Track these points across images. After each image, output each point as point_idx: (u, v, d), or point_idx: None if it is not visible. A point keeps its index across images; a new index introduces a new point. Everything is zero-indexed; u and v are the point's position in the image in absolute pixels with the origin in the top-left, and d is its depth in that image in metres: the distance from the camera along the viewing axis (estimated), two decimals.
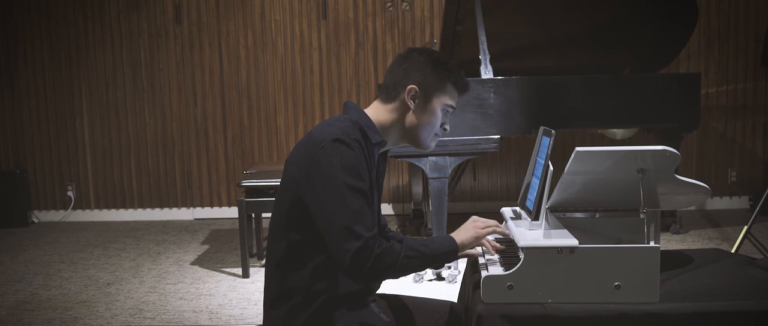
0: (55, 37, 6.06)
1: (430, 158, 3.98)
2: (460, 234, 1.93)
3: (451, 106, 1.96)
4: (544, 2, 4.64)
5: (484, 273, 1.84)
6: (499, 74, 4.14)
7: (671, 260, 2.12)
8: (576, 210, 2.17)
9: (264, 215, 4.93)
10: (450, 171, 4.02)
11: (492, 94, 4.05)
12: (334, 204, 1.77)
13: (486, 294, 1.80)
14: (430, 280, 3.97)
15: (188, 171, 6.14)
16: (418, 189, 5.45)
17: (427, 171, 3.99)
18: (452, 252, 1.90)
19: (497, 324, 1.75)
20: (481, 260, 1.99)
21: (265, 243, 4.54)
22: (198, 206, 6.18)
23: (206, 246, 5.10)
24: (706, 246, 4.58)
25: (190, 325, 3.49)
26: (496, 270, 1.89)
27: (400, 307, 2.11)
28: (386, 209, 5.93)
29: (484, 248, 1.98)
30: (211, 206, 6.17)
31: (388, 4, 5.92)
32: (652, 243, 1.82)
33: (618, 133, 5.15)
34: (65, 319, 3.61)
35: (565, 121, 4.28)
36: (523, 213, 2.13)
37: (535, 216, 1.96)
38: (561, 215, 2.07)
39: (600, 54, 4.93)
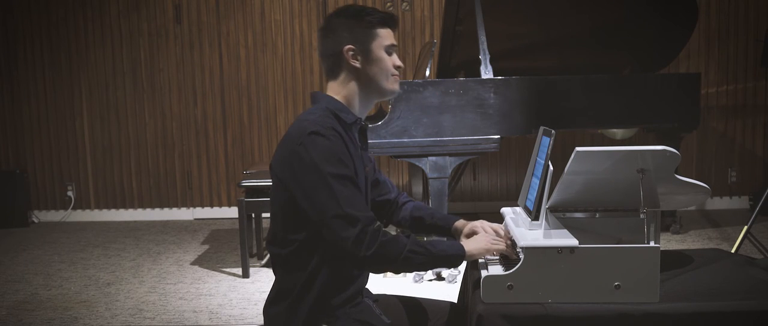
0: (55, 37, 6.06)
1: (430, 158, 3.98)
2: (471, 244, 1.94)
3: (392, 45, 1.95)
4: (544, 2, 4.64)
5: (484, 273, 1.84)
6: (499, 74, 4.14)
7: (671, 260, 2.12)
8: (576, 210, 2.16)
9: (264, 215, 4.93)
10: (450, 171, 4.02)
11: (492, 94, 4.05)
12: (324, 197, 1.78)
13: (486, 294, 1.80)
14: (430, 280, 3.97)
15: (188, 171, 6.14)
16: (418, 189, 5.44)
17: (427, 171, 3.99)
18: (458, 257, 1.90)
19: (497, 324, 1.75)
20: (481, 260, 1.99)
21: (265, 243, 4.54)
22: (198, 206, 6.18)
23: (206, 246, 5.10)
24: (706, 246, 4.58)
25: (190, 325, 3.49)
26: (496, 270, 1.89)
27: (401, 308, 2.11)
28: None
29: (486, 258, 1.98)
30: (211, 206, 6.18)
31: (388, 4, 5.92)
32: (652, 243, 1.82)
33: (618, 133, 5.15)
34: (65, 319, 3.61)
35: (565, 121, 4.27)
36: (523, 213, 2.13)
37: (535, 216, 1.96)
38: (561, 215, 2.07)
39: (600, 54, 4.93)
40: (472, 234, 2.07)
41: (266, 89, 6.02)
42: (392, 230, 2.22)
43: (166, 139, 6.10)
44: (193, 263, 4.64)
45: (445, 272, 3.97)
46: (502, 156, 6.02)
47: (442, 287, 3.87)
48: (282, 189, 1.86)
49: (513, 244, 2.03)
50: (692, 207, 5.83)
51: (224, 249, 4.98)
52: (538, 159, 2.07)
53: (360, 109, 1.97)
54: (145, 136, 6.12)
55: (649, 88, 4.35)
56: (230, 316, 3.59)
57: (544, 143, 2.01)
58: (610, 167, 1.86)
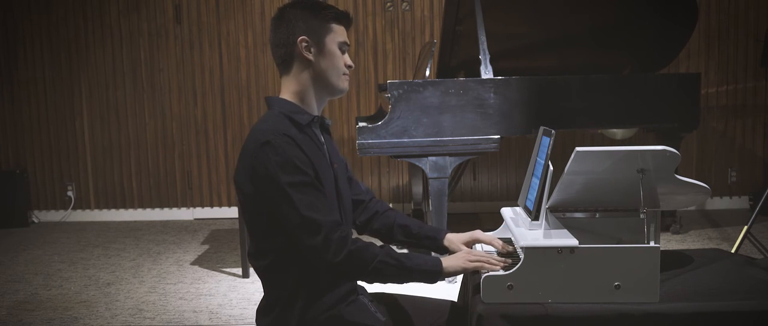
0: (55, 37, 6.06)
1: (430, 158, 3.98)
2: (449, 261, 1.89)
3: (345, 43, 1.94)
4: (544, 2, 4.64)
5: (484, 273, 1.84)
6: (499, 74, 4.14)
7: (671, 260, 2.12)
8: (576, 210, 2.16)
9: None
10: (450, 171, 4.02)
11: (492, 94, 4.05)
12: (285, 207, 1.76)
13: (486, 294, 1.79)
14: None
15: (188, 171, 6.14)
16: (418, 189, 5.44)
17: (427, 171, 3.99)
18: (435, 273, 1.85)
19: (497, 324, 1.75)
20: None
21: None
22: (198, 206, 6.18)
23: (206, 246, 5.10)
24: (706, 246, 4.58)
25: (190, 325, 3.49)
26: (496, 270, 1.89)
27: (400, 307, 2.11)
28: None
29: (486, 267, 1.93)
30: (211, 206, 6.18)
31: (388, 4, 5.92)
32: (652, 243, 1.82)
33: (618, 133, 5.15)
34: (65, 319, 3.61)
35: (565, 121, 4.27)
36: (523, 213, 2.13)
37: (535, 216, 1.96)
38: (561, 215, 2.07)
39: (600, 54, 4.93)
40: (472, 242, 2.06)
41: (266, 89, 6.01)
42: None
43: (166, 139, 6.10)
44: (193, 263, 4.64)
45: None
46: (502, 156, 6.02)
47: (442, 287, 3.87)
48: (248, 202, 1.85)
49: (508, 242, 2.02)
50: (692, 207, 5.83)
51: (224, 249, 4.98)
52: (538, 159, 2.07)
53: (315, 106, 1.95)
54: (145, 136, 6.12)
55: (649, 88, 4.35)
56: (230, 316, 3.59)
57: (544, 143, 2.01)
58: (610, 167, 1.86)
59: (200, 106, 6.06)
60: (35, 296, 4.01)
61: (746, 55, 5.87)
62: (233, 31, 5.98)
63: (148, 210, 6.20)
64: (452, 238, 2.07)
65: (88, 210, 6.23)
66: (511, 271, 1.79)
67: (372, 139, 3.93)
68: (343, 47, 1.94)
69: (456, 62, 4.86)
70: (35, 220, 6.20)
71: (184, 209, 6.19)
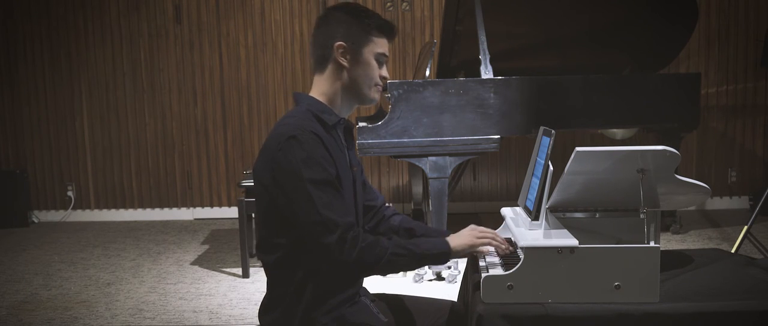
0: (55, 37, 6.06)
1: (430, 158, 3.98)
2: (456, 239, 1.92)
3: (383, 54, 1.93)
4: (544, 2, 4.64)
5: (484, 274, 1.84)
6: (499, 74, 4.14)
7: (671, 260, 2.12)
8: (576, 210, 2.16)
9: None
10: (450, 171, 4.02)
11: (492, 94, 4.05)
12: (303, 203, 1.76)
13: (486, 294, 1.79)
14: (430, 280, 3.97)
15: (188, 171, 6.14)
16: (418, 189, 5.44)
17: (427, 171, 3.99)
18: (443, 254, 1.88)
19: (497, 324, 1.75)
20: (482, 262, 1.99)
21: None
22: (198, 206, 6.18)
23: (206, 246, 5.10)
24: (706, 246, 4.58)
25: (190, 325, 3.49)
26: (496, 270, 1.89)
27: (400, 307, 2.11)
28: None
29: (486, 252, 1.96)
30: (211, 206, 6.18)
31: (388, 4, 5.92)
32: (652, 243, 1.82)
33: (618, 133, 5.15)
34: (65, 319, 3.61)
35: (565, 121, 4.27)
36: (523, 213, 2.13)
37: (535, 216, 1.96)
38: (561, 215, 2.07)
39: (600, 54, 4.93)
40: None
41: (266, 89, 6.02)
42: None
43: (166, 139, 6.11)
44: (193, 263, 4.64)
45: (445, 272, 3.97)
46: (502, 156, 6.02)
47: (442, 287, 3.87)
48: (265, 195, 1.85)
49: (509, 242, 2.02)
50: (692, 207, 5.83)
51: (224, 249, 4.98)
52: (538, 159, 2.07)
53: (342, 109, 1.95)
54: (145, 136, 6.12)
55: (649, 88, 4.35)
56: (230, 316, 3.59)
57: (544, 143, 2.01)
58: (610, 167, 1.86)
59: (200, 106, 6.06)
60: (35, 296, 4.01)
61: (746, 55, 5.87)
62: (233, 31, 5.98)
63: (148, 210, 6.20)
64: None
65: (88, 210, 6.23)
66: (511, 271, 1.79)
67: (372, 139, 3.94)
68: (380, 58, 1.93)
69: (456, 62, 4.86)
70: (35, 220, 6.20)
71: (184, 209, 6.19)
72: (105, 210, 6.22)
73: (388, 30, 1.93)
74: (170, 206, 6.19)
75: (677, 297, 1.81)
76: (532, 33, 4.85)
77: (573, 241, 1.79)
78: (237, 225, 5.01)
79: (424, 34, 5.95)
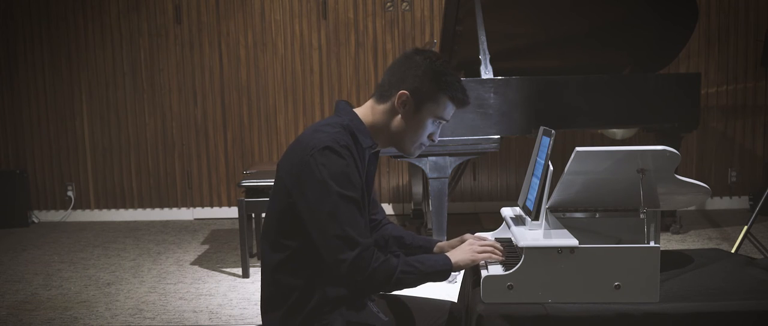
0: (55, 37, 6.06)
1: (430, 158, 3.98)
2: (456, 254, 1.92)
3: (443, 119, 1.92)
4: (544, 2, 4.63)
5: (484, 273, 1.84)
6: (499, 74, 4.14)
7: (671, 260, 2.12)
8: (576, 210, 2.16)
9: (264, 215, 4.92)
10: (450, 171, 4.02)
11: (492, 94, 4.05)
12: (327, 214, 1.75)
13: (486, 294, 1.80)
14: None
15: (188, 171, 6.14)
16: (418, 189, 5.44)
17: (427, 171, 3.99)
18: (446, 270, 1.89)
19: (497, 324, 1.75)
20: (482, 261, 1.99)
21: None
22: (198, 206, 6.18)
23: (206, 246, 5.10)
24: (706, 246, 4.58)
25: (190, 325, 3.49)
26: (496, 270, 1.89)
27: (400, 307, 2.11)
28: (386, 209, 5.93)
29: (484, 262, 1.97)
30: (211, 206, 6.18)
31: (388, 4, 5.92)
32: (652, 243, 1.82)
33: (618, 133, 5.15)
34: (65, 319, 3.61)
35: (565, 121, 4.27)
36: (523, 213, 2.13)
37: (535, 216, 1.96)
38: (561, 215, 2.07)
39: (600, 54, 4.93)
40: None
41: (266, 89, 6.02)
42: None
43: (166, 139, 6.11)
44: (193, 263, 4.64)
45: None
46: (502, 156, 6.02)
47: (442, 287, 3.87)
48: (284, 193, 1.84)
49: (507, 249, 2.02)
50: (692, 207, 5.83)
51: (224, 249, 4.98)
52: (538, 159, 2.07)
53: (379, 141, 1.94)
54: (145, 136, 6.12)
55: (649, 88, 4.35)
56: (230, 316, 3.59)
57: (544, 143, 2.01)
58: (610, 167, 1.87)
59: (200, 106, 6.06)
60: (35, 296, 4.01)
61: (746, 55, 5.87)
62: (233, 31, 5.98)
63: (148, 210, 6.20)
64: (443, 247, 2.09)
65: (88, 210, 6.23)
66: (511, 271, 1.80)
67: None
68: (437, 121, 1.92)
69: (456, 62, 4.86)
70: (35, 220, 6.20)
71: (184, 209, 6.19)
72: (105, 210, 6.22)
73: (460, 101, 1.91)
74: (170, 206, 6.19)
75: (677, 297, 1.81)
76: (532, 33, 4.85)
77: (573, 241, 1.79)
78: (237, 225, 5.01)
79: (424, 34, 5.95)
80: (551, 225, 1.92)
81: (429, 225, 4.38)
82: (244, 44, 5.98)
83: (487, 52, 4.11)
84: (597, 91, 4.29)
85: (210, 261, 4.68)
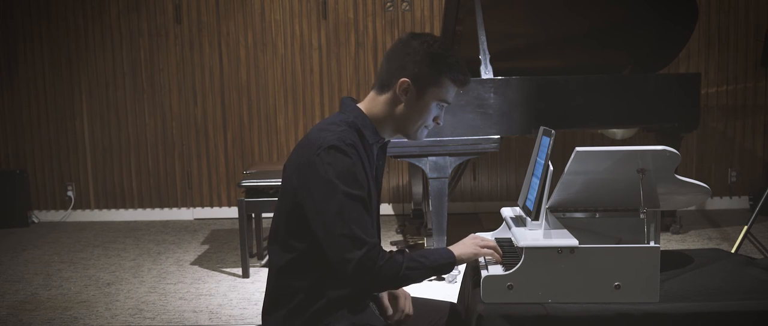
0: (55, 37, 6.06)
1: (430, 158, 3.98)
2: (460, 248, 1.93)
3: (445, 102, 1.91)
4: (545, 2, 4.64)
5: (484, 273, 1.84)
6: (499, 74, 4.14)
7: (671, 260, 2.12)
8: (576, 210, 2.16)
9: (264, 215, 4.93)
10: (450, 171, 4.02)
11: (492, 94, 4.05)
12: (333, 214, 1.75)
13: (486, 294, 1.80)
14: (430, 280, 3.97)
15: (188, 171, 6.14)
16: (418, 189, 5.44)
17: (427, 171, 3.99)
18: (450, 264, 1.89)
19: (497, 324, 1.75)
20: (482, 261, 1.99)
21: (265, 244, 4.54)
22: (198, 206, 6.18)
23: (206, 246, 5.10)
24: (706, 246, 4.58)
25: (190, 325, 3.49)
26: (496, 270, 1.89)
27: None
28: (386, 209, 5.93)
29: (485, 260, 1.98)
30: (211, 206, 6.18)
31: (388, 4, 5.92)
32: (652, 243, 1.82)
33: (618, 133, 5.15)
34: (65, 319, 3.61)
35: (565, 121, 4.27)
36: (523, 213, 2.13)
37: (535, 216, 1.96)
38: (561, 215, 2.07)
39: (600, 54, 4.93)
40: None
41: (266, 89, 6.02)
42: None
43: (166, 139, 6.11)
44: (193, 263, 4.64)
45: None
46: (502, 156, 6.02)
47: (442, 287, 3.87)
48: (291, 193, 1.83)
49: (508, 249, 2.03)
50: (692, 207, 5.83)
51: (224, 249, 4.98)
52: (538, 159, 2.07)
53: (385, 133, 1.94)
54: (145, 136, 6.12)
55: (649, 88, 4.35)
56: (230, 316, 3.59)
57: (544, 143, 2.01)
58: (610, 167, 1.87)
59: (200, 106, 6.06)
60: (35, 296, 4.01)
61: (746, 55, 5.87)
62: (233, 31, 5.98)
63: (148, 210, 6.20)
64: None
65: (88, 210, 6.23)
66: (511, 271, 1.80)
67: None
68: (441, 104, 1.90)
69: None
70: (35, 220, 6.20)
71: (184, 209, 6.19)
72: (105, 210, 6.22)
73: (461, 82, 1.89)
74: (170, 206, 6.19)
75: (677, 297, 1.82)
76: (532, 33, 4.85)
77: (573, 241, 1.79)
78: (237, 225, 5.01)
79: None
80: (551, 225, 1.92)
81: (429, 225, 4.38)
82: (244, 44, 5.98)
83: (487, 52, 4.11)
84: (597, 91, 4.29)
85: (210, 261, 4.68)
